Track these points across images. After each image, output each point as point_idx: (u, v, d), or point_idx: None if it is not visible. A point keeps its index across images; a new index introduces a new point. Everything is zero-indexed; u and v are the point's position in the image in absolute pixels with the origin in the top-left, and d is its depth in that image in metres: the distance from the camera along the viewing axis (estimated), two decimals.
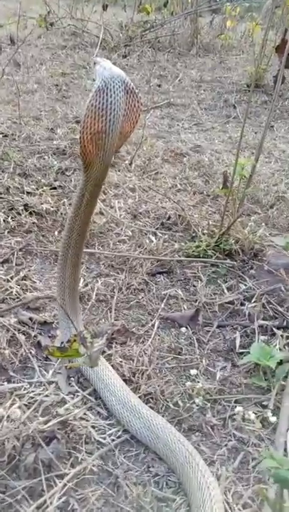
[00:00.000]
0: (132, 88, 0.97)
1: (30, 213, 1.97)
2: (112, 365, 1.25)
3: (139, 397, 1.17)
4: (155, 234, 1.95)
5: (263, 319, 1.50)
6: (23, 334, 1.35)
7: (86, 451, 1.06)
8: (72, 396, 1.19)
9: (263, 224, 2.07)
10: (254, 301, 1.57)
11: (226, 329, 1.49)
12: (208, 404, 1.21)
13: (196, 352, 1.38)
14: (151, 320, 1.49)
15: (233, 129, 3.42)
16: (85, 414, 1.15)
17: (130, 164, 2.54)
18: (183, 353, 1.37)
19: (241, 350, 1.39)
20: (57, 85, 3.93)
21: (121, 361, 1.29)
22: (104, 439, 1.10)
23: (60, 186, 2.23)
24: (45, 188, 2.16)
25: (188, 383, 1.25)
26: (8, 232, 1.84)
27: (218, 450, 1.10)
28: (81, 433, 1.09)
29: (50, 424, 1.08)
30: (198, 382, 1.26)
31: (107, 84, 0.94)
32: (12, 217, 1.92)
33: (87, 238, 1.83)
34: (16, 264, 1.67)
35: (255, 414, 1.18)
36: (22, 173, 2.29)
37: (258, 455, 1.09)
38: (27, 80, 3.94)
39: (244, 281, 1.69)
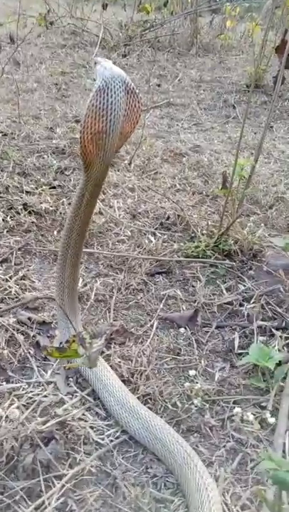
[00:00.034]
0: (133, 88, 0.96)
1: (30, 213, 1.96)
2: (110, 366, 1.25)
3: (138, 397, 1.17)
4: (154, 234, 1.95)
5: (262, 320, 1.50)
6: (22, 334, 1.35)
7: (84, 452, 1.06)
8: (70, 396, 1.19)
9: (262, 224, 2.07)
10: (253, 302, 1.57)
11: (224, 330, 1.49)
12: (207, 405, 1.21)
13: (195, 352, 1.38)
14: (150, 320, 1.49)
15: (233, 129, 3.42)
16: (83, 414, 1.15)
17: (129, 164, 2.54)
18: (182, 354, 1.37)
19: (240, 351, 1.39)
20: (56, 84, 3.92)
21: (120, 361, 1.29)
22: (103, 439, 1.09)
23: (59, 186, 2.23)
24: (44, 187, 2.16)
25: (187, 384, 1.25)
26: (7, 231, 1.84)
27: (217, 451, 1.10)
28: (79, 434, 1.09)
29: (48, 424, 1.08)
30: (197, 382, 1.26)
31: (108, 84, 0.94)
32: (11, 217, 1.92)
33: (86, 238, 1.82)
34: (14, 264, 1.66)
35: (254, 415, 1.18)
36: (21, 172, 2.29)
37: (256, 456, 1.09)
38: (26, 79, 3.93)
39: (243, 282, 1.69)
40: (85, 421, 1.13)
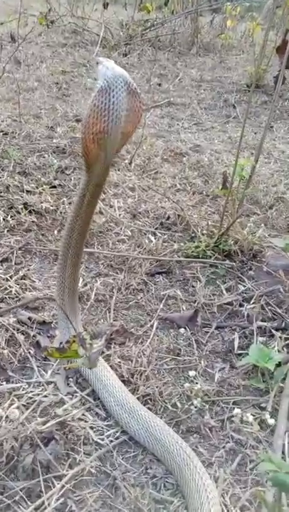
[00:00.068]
0: (135, 89, 0.96)
1: (30, 212, 1.96)
2: (110, 366, 1.25)
3: (138, 398, 1.17)
4: (154, 234, 1.95)
5: (262, 320, 1.50)
6: (22, 334, 1.35)
7: (84, 453, 1.06)
8: (70, 397, 1.19)
9: (262, 225, 2.06)
10: (253, 303, 1.57)
11: (224, 330, 1.49)
12: (207, 406, 1.21)
13: (195, 353, 1.38)
14: (150, 320, 1.49)
15: (233, 129, 3.42)
16: (83, 415, 1.15)
17: (130, 163, 2.53)
18: (181, 354, 1.37)
19: (240, 352, 1.39)
20: (57, 83, 3.92)
21: (119, 362, 1.29)
22: (103, 440, 1.10)
23: (59, 185, 2.23)
24: (44, 186, 2.16)
25: (187, 384, 1.25)
26: (8, 230, 1.84)
27: (216, 452, 1.10)
28: (79, 434, 1.09)
29: (48, 424, 1.08)
30: (197, 383, 1.26)
31: (110, 84, 0.94)
32: (11, 216, 1.92)
33: (87, 238, 1.82)
34: (15, 263, 1.66)
35: (253, 416, 1.18)
36: (22, 172, 2.28)
37: (255, 457, 1.09)
38: (27, 78, 3.93)
39: (243, 282, 1.69)
40: (85, 421, 1.13)
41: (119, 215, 2.05)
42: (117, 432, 1.12)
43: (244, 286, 1.67)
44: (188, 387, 1.24)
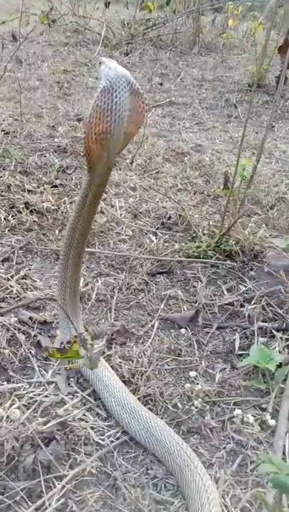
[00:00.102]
0: (137, 89, 0.96)
1: (31, 211, 1.96)
2: (111, 366, 1.25)
3: (139, 398, 1.17)
4: (155, 234, 1.94)
5: (263, 321, 1.50)
6: (23, 334, 1.35)
7: (85, 453, 1.06)
8: (71, 397, 1.19)
9: (264, 225, 2.06)
10: (254, 303, 1.57)
11: (225, 331, 1.49)
12: (207, 407, 1.21)
13: (196, 353, 1.38)
14: (151, 321, 1.49)
15: (234, 128, 3.41)
16: (84, 415, 1.15)
17: (131, 163, 2.53)
18: (182, 355, 1.37)
19: (241, 352, 1.39)
20: (59, 82, 3.92)
21: (120, 362, 1.29)
22: (103, 440, 1.09)
23: (61, 184, 2.22)
24: (46, 186, 2.16)
25: (188, 385, 1.25)
26: (9, 230, 1.84)
27: (217, 453, 1.10)
28: (80, 434, 1.09)
29: (49, 425, 1.08)
30: (198, 384, 1.26)
31: (113, 84, 0.93)
32: (13, 216, 1.92)
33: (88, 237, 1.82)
34: (16, 263, 1.66)
35: (254, 417, 1.18)
36: (23, 171, 2.28)
37: (256, 458, 1.09)
38: (29, 77, 3.93)
39: (244, 283, 1.68)
40: (86, 421, 1.13)
41: (121, 214, 2.05)
42: (117, 432, 1.12)
43: (245, 286, 1.67)
44: (189, 387, 1.24)
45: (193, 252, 1.80)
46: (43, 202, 2.02)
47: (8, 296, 1.49)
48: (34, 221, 1.91)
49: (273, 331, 1.45)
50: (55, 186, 2.20)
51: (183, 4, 6.08)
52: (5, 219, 1.89)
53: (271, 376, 1.27)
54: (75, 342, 0.95)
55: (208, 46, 5.83)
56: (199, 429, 1.15)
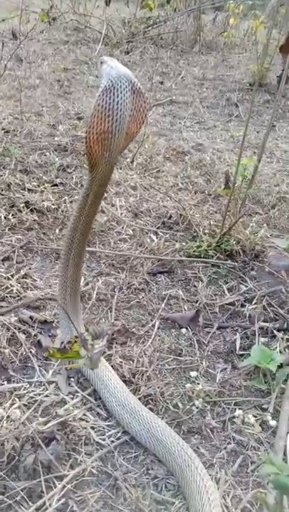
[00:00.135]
0: (139, 88, 0.96)
1: (31, 210, 1.96)
2: (112, 366, 1.24)
3: (139, 398, 1.17)
4: (156, 233, 1.94)
5: (264, 321, 1.50)
6: (24, 333, 1.35)
7: (85, 453, 1.06)
8: (72, 396, 1.18)
9: (265, 225, 2.06)
10: (255, 303, 1.57)
11: (226, 331, 1.48)
12: (208, 407, 1.20)
13: (197, 353, 1.38)
14: (152, 320, 1.48)
15: (235, 127, 3.41)
16: (84, 415, 1.14)
17: (132, 162, 2.53)
18: (183, 355, 1.37)
19: (241, 352, 1.39)
20: (59, 81, 3.91)
21: (121, 362, 1.29)
22: (104, 440, 1.09)
23: (61, 183, 2.22)
24: (46, 185, 2.15)
25: (188, 385, 1.25)
26: (9, 229, 1.83)
27: (218, 453, 1.10)
28: (80, 434, 1.09)
29: (49, 424, 1.08)
30: (198, 384, 1.26)
31: (114, 84, 0.93)
32: (13, 215, 1.91)
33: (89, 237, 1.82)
34: (16, 262, 1.66)
35: (255, 417, 1.18)
36: (23, 170, 2.28)
37: (257, 458, 1.09)
38: (29, 75, 3.92)
39: (245, 283, 1.68)
40: (86, 421, 1.13)
41: (121, 214, 2.05)
42: (118, 432, 1.11)
43: (246, 286, 1.66)
44: (190, 387, 1.24)
45: (194, 251, 1.80)
46: (43, 201, 2.01)
47: (8, 295, 1.49)
48: (34, 220, 1.90)
49: (274, 331, 1.45)
50: (56, 185, 2.19)
51: (184, 3, 6.07)
52: (5, 218, 1.88)
53: (272, 376, 1.27)
54: (75, 342, 0.95)
55: (209, 45, 5.82)
56: (200, 429, 1.14)
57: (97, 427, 1.12)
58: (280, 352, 1.37)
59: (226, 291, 1.64)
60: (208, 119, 3.56)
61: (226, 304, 1.58)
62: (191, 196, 2.26)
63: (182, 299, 1.59)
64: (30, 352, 1.30)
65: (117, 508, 0.96)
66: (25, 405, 1.14)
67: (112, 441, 1.09)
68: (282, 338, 1.42)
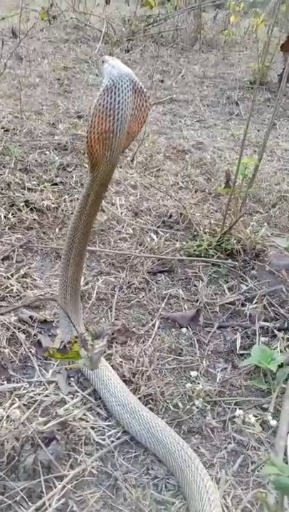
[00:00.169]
0: (141, 88, 0.95)
1: (31, 210, 1.95)
2: (112, 365, 1.24)
3: (139, 398, 1.17)
4: (156, 232, 1.94)
5: (264, 321, 1.49)
6: (23, 333, 1.35)
7: (85, 453, 1.06)
8: (72, 396, 1.18)
9: (265, 224, 2.05)
10: (255, 302, 1.57)
11: (226, 330, 1.48)
12: (208, 407, 1.20)
13: (197, 353, 1.37)
14: (152, 320, 1.48)
15: (236, 126, 3.40)
16: (84, 414, 1.14)
17: (132, 161, 2.52)
18: (183, 354, 1.36)
19: (242, 352, 1.39)
20: (59, 79, 3.90)
21: (121, 361, 1.28)
22: (104, 440, 1.09)
23: (61, 182, 2.21)
24: (46, 184, 2.15)
25: (189, 385, 1.25)
26: (9, 228, 1.83)
27: (218, 453, 1.10)
28: (80, 434, 1.09)
29: (49, 424, 1.08)
30: (199, 383, 1.26)
31: (116, 83, 0.92)
32: (13, 214, 1.91)
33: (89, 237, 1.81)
34: (16, 262, 1.66)
35: (256, 417, 1.18)
36: (23, 169, 2.27)
37: (257, 458, 1.09)
38: (29, 74, 3.91)
39: (245, 282, 1.68)
40: (86, 421, 1.12)
41: (121, 213, 2.04)
42: (118, 432, 1.11)
43: (246, 285, 1.66)
44: (190, 387, 1.24)
45: (195, 250, 1.80)
46: (43, 200, 2.01)
47: (8, 294, 1.49)
48: (34, 219, 1.90)
49: (275, 330, 1.45)
50: (56, 184, 2.19)
51: (184, 0, 6.05)
52: (5, 217, 1.88)
53: (272, 376, 1.27)
54: (75, 342, 0.95)
55: (210, 43, 5.81)
56: (200, 429, 1.14)
57: (97, 426, 1.12)
58: (281, 351, 1.36)
59: (227, 291, 1.64)
60: (208, 117, 3.56)
61: (227, 303, 1.58)
62: (192, 195, 2.26)
63: (182, 298, 1.59)
64: (30, 352, 1.29)
65: (117, 508, 0.96)
66: (25, 405, 1.14)
67: (112, 441, 1.09)
68: (283, 338, 1.42)
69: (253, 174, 1.91)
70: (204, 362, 1.34)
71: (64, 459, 1.03)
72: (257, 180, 2.34)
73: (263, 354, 1.26)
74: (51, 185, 2.16)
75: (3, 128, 2.71)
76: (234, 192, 1.84)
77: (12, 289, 1.51)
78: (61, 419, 1.10)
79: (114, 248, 1.80)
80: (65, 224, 1.90)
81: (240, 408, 1.19)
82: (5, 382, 1.20)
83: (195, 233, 1.94)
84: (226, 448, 1.11)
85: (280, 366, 1.26)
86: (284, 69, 1.99)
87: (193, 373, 1.29)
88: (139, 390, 1.20)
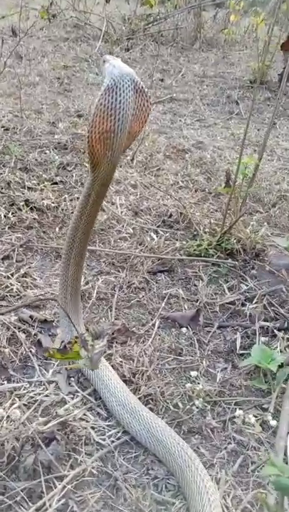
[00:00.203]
0: (142, 87, 0.95)
1: (31, 209, 1.95)
2: (112, 365, 1.24)
3: (139, 398, 1.17)
4: (156, 232, 1.93)
5: (264, 320, 1.49)
6: (24, 332, 1.35)
7: (86, 453, 1.06)
8: (72, 396, 1.18)
9: (265, 223, 2.05)
10: (255, 302, 1.57)
11: (226, 330, 1.48)
12: (208, 407, 1.20)
13: (197, 353, 1.37)
14: (152, 319, 1.48)
15: (236, 125, 3.40)
16: (84, 414, 1.14)
17: (132, 160, 2.52)
18: (183, 354, 1.36)
19: (242, 352, 1.39)
20: (59, 78, 3.90)
21: (121, 361, 1.28)
22: (104, 440, 1.09)
23: (61, 181, 2.21)
24: (46, 183, 2.14)
25: (189, 385, 1.25)
26: (9, 227, 1.83)
27: (218, 453, 1.10)
28: (81, 434, 1.09)
29: (49, 425, 1.08)
30: (199, 383, 1.26)
31: (117, 83, 0.92)
32: (13, 213, 1.91)
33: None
34: (16, 261, 1.65)
35: (256, 417, 1.18)
36: (23, 168, 2.27)
37: (257, 459, 1.09)
38: (29, 73, 3.90)
39: (245, 282, 1.68)
40: (87, 421, 1.12)
41: (121, 212, 2.04)
42: (118, 432, 1.11)
43: (246, 285, 1.66)
44: (190, 387, 1.24)
45: (195, 250, 1.80)
46: (43, 199, 2.01)
47: (8, 294, 1.49)
48: (34, 218, 1.90)
49: (275, 330, 1.45)
50: (56, 183, 2.19)
51: None
52: (5, 216, 1.88)
53: (272, 376, 1.27)
54: (75, 342, 0.95)
55: (210, 42, 5.81)
56: (200, 429, 1.14)
57: (97, 426, 1.12)
58: (281, 351, 1.36)
59: (227, 290, 1.64)
60: (208, 116, 3.55)
61: (227, 303, 1.58)
62: (192, 194, 2.26)
63: (182, 298, 1.59)
64: (30, 351, 1.29)
65: (117, 508, 0.96)
66: (25, 405, 1.14)
67: (112, 441, 1.09)
68: (283, 338, 1.42)
69: (253, 174, 1.91)
70: (204, 362, 1.34)
71: (64, 459, 1.03)
72: (257, 180, 2.34)
73: (263, 354, 1.26)
74: (51, 184, 2.16)
75: (3, 127, 2.71)
76: (234, 191, 1.84)
77: (12, 289, 1.51)
78: (61, 419, 1.10)
79: (115, 248, 1.80)
80: (65, 223, 1.90)
81: (240, 408, 1.19)
82: (5, 382, 1.20)
83: (195, 233, 1.94)
84: (225, 448, 1.11)
85: (280, 366, 1.26)
86: (284, 68, 1.99)
87: (193, 373, 1.29)
88: (139, 390, 1.20)
